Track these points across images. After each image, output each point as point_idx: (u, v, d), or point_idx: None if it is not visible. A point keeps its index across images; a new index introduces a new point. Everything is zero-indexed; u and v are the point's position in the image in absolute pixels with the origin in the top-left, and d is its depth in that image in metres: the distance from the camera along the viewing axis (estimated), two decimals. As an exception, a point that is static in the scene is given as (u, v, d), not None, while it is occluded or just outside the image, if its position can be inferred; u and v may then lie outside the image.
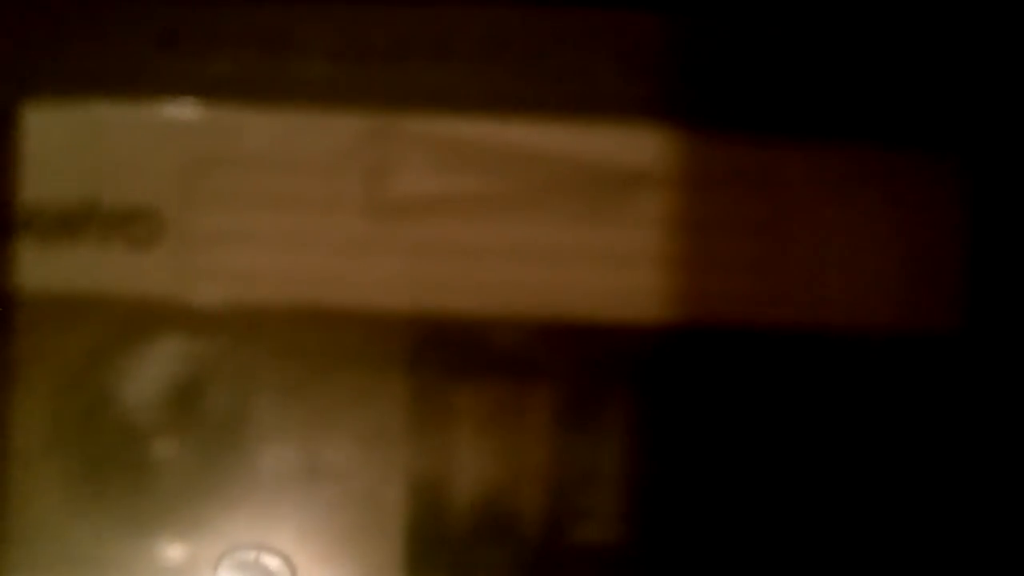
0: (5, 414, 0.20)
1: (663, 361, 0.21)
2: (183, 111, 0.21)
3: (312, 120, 0.21)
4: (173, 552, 0.20)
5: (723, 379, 0.21)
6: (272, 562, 0.20)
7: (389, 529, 0.20)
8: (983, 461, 0.21)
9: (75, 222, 0.20)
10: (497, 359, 0.21)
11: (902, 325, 0.21)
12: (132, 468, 0.20)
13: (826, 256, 0.21)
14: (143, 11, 0.20)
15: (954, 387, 0.21)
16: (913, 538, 0.21)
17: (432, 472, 0.20)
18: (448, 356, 0.21)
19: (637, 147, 0.21)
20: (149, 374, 0.20)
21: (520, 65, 0.21)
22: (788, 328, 0.21)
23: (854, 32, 0.21)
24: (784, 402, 0.21)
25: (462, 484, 0.20)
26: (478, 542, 0.20)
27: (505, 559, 0.20)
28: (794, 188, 0.21)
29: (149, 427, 0.20)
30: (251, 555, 0.20)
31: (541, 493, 0.20)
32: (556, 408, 0.21)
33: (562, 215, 0.21)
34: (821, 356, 0.21)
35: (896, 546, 0.21)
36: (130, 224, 0.20)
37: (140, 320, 0.20)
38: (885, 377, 0.21)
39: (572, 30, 0.21)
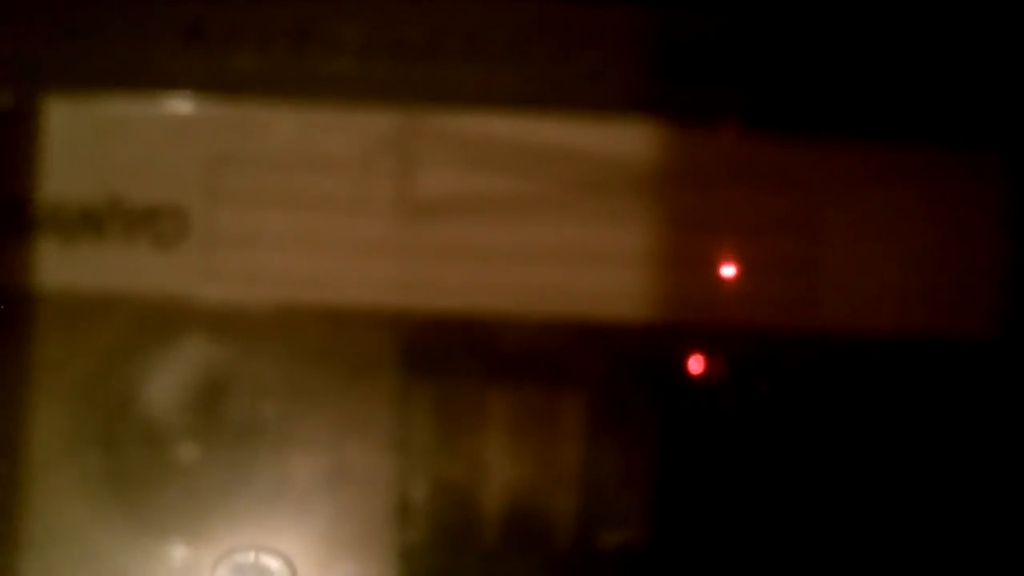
0: (23, 416, 0.20)
1: (688, 363, 0.20)
2: (207, 106, 0.20)
3: (339, 117, 0.20)
4: (189, 555, 0.20)
5: (745, 382, 0.20)
6: (272, 563, 0.19)
7: (408, 534, 0.20)
8: (1016, 470, 0.20)
9: (97, 219, 0.20)
10: (522, 361, 0.20)
11: (935, 330, 0.20)
12: (152, 470, 0.20)
13: (854, 257, 0.21)
14: (167, 4, 0.20)
15: (991, 394, 0.20)
16: (944, 545, 0.20)
17: (454, 476, 0.20)
18: (473, 358, 0.20)
19: (665, 146, 0.20)
20: (171, 375, 0.20)
21: (550, 62, 0.20)
22: (816, 331, 0.20)
23: (888, 26, 0.21)
24: (813, 407, 0.20)
25: (485, 488, 0.20)
26: (501, 547, 0.20)
27: (528, 565, 0.20)
28: (822, 187, 0.21)
29: (171, 429, 0.20)
30: (250, 556, 0.19)
31: (566, 497, 0.20)
32: (582, 411, 0.20)
33: (590, 215, 0.20)
34: (851, 360, 0.20)
35: (924, 552, 0.20)
36: (153, 222, 0.20)
37: (162, 320, 0.20)
38: (918, 383, 0.20)
39: (604, 27, 0.20)
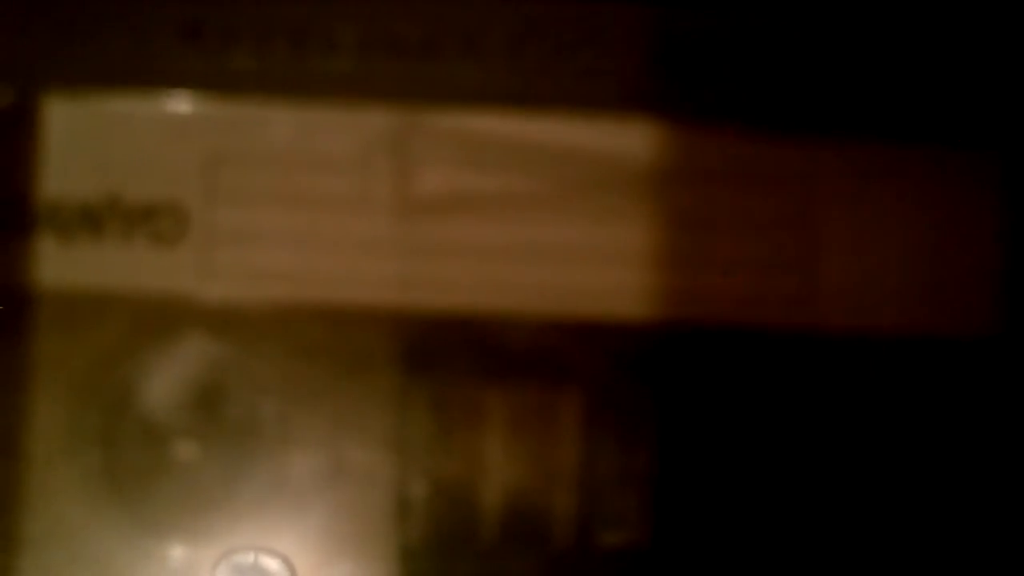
0: (22, 414, 0.20)
1: (687, 362, 0.20)
2: (206, 105, 0.20)
3: (337, 115, 0.20)
4: (188, 555, 0.20)
5: (745, 380, 0.20)
6: (271, 564, 0.19)
7: (407, 533, 0.20)
8: (1015, 468, 0.20)
9: (96, 217, 0.20)
10: (521, 360, 0.20)
11: (933, 328, 0.20)
12: (150, 469, 0.20)
13: (852, 256, 0.21)
14: (165, 3, 0.20)
15: (989, 392, 0.20)
16: (942, 543, 0.20)
17: (453, 475, 0.20)
18: (472, 356, 0.20)
19: (663, 144, 0.20)
20: (170, 373, 0.20)
21: (548, 61, 0.20)
22: (814, 329, 0.20)
23: (886, 25, 0.21)
24: (812, 405, 0.20)
25: (485, 487, 0.20)
26: (501, 546, 0.20)
27: (527, 564, 0.20)
28: (820, 186, 0.21)
29: (169, 427, 0.20)
30: (249, 557, 0.19)
31: (564, 496, 0.20)
32: (581, 410, 0.20)
33: (588, 214, 0.20)
34: (849, 358, 0.20)
35: (923, 550, 0.20)
36: (152, 220, 0.20)
37: (161, 318, 0.20)
38: (916, 381, 0.20)
39: (602, 25, 0.20)
